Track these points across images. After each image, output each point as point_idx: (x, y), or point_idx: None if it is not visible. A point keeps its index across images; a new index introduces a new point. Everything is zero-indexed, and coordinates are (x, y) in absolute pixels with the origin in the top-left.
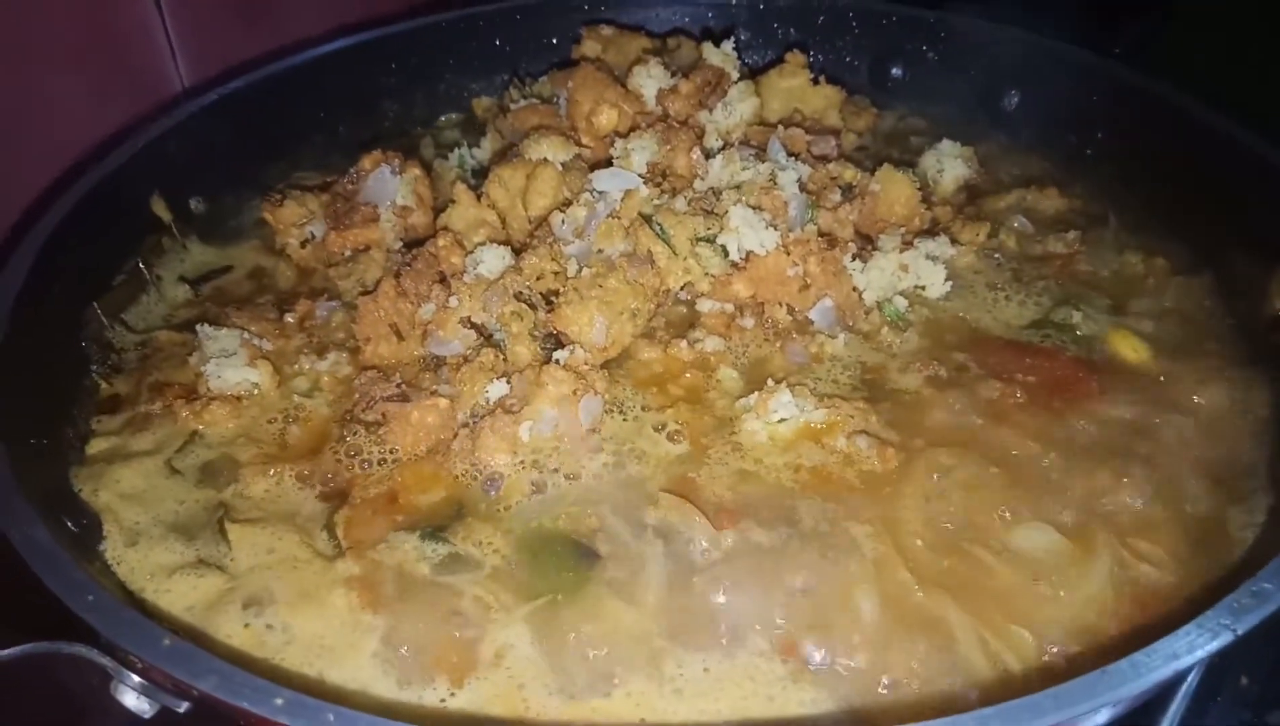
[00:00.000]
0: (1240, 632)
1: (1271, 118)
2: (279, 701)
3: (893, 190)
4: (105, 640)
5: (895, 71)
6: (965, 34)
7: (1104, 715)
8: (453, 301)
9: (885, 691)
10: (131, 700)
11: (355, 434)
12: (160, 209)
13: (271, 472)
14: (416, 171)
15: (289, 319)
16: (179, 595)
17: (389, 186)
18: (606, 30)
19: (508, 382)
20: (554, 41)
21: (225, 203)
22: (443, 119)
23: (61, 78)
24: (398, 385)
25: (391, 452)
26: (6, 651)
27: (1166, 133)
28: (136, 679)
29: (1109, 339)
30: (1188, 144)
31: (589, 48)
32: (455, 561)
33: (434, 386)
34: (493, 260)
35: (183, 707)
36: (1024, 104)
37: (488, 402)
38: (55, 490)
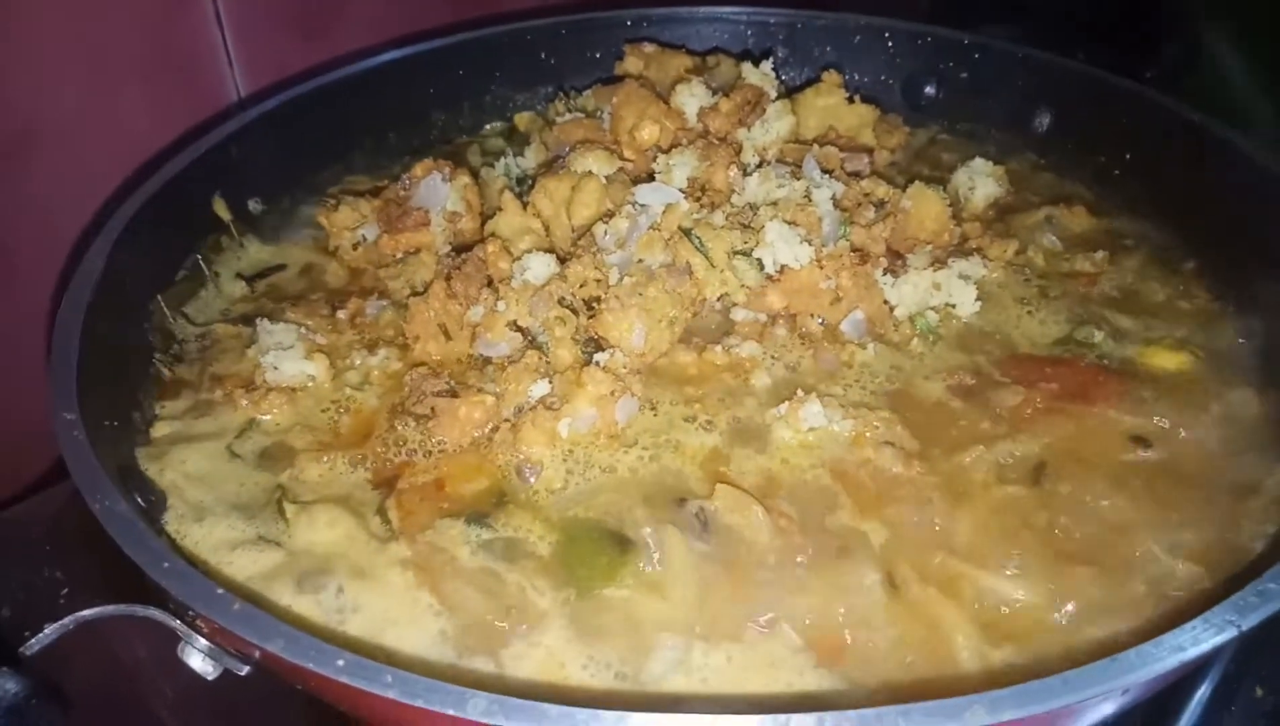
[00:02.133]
0: (1244, 628)
1: None
2: (340, 662)
3: (924, 207)
4: (176, 605)
5: (929, 90)
6: (998, 56)
7: (1113, 704)
8: (500, 306)
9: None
10: (198, 661)
11: (405, 425)
12: (221, 209)
13: (325, 459)
14: (465, 179)
15: (340, 316)
16: (240, 568)
17: (440, 193)
18: (649, 48)
19: (549, 382)
20: (597, 56)
21: (281, 204)
22: (488, 127)
23: (129, 86)
24: (447, 381)
25: (439, 444)
26: (90, 611)
27: (1192, 156)
28: (204, 641)
29: (1145, 353)
30: (1212, 167)
31: (631, 64)
32: (498, 546)
33: (480, 384)
34: (539, 267)
35: (244, 670)
36: (1055, 124)
37: (530, 400)
38: (125, 468)
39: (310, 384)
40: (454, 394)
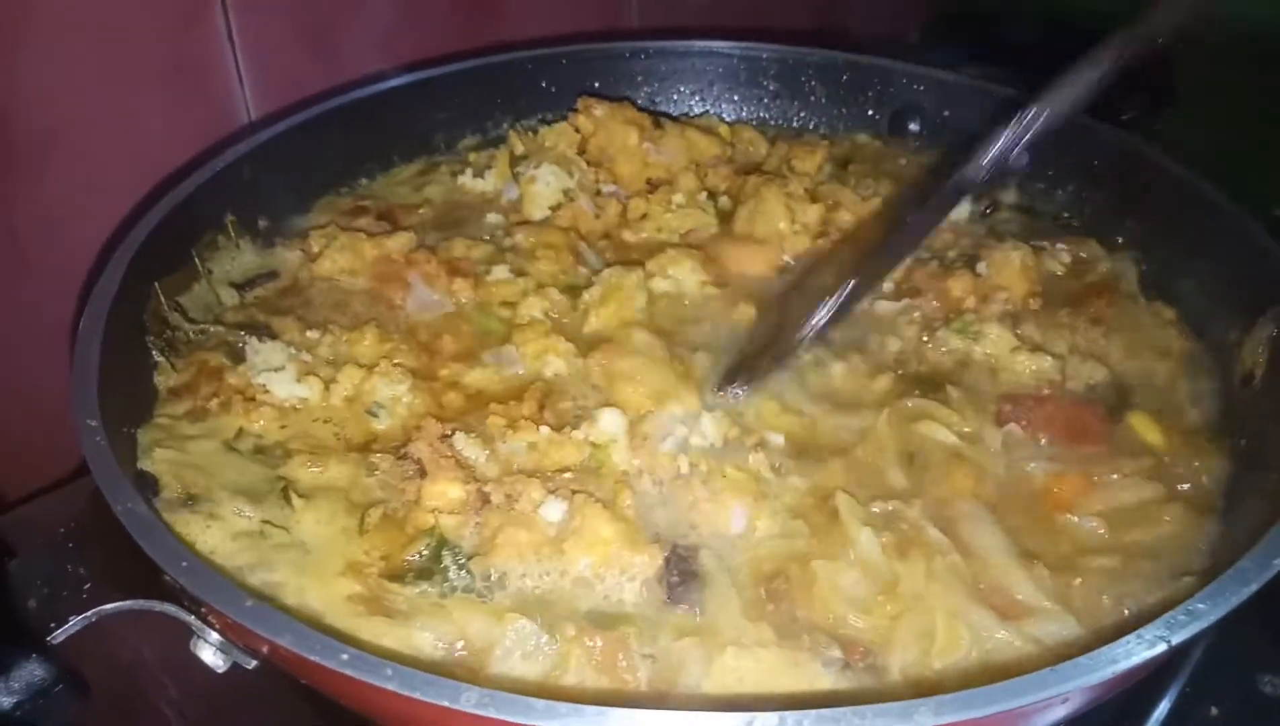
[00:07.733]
0: (1174, 643)
1: (1259, 190)
2: (344, 656)
3: (1005, 268)
4: (190, 600)
5: (913, 126)
6: (978, 95)
7: (1057, 712)
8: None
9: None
10: (209, 655)
11: (393, 465)
12: (232, 228)
13: (317, 466)
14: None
15: (325, 336)
16: (234, 555)
17: (427, 302)
18: (599, 110)
19: (565, 506)
20: (596, 85)
21: (286, 220)
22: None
23: (144, 95)
24: (445, 440)
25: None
26: (112, 605)
27: (1163, 199)
28: (216, 636)
29: (1131, 421)
30: (1183, 211)
31: (583, 123)
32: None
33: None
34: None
35: (252, 664)
36: (1031, 163)
37: (535, 512)
38: (141, 474)
39: (304, 405)
40: (424, 473)
